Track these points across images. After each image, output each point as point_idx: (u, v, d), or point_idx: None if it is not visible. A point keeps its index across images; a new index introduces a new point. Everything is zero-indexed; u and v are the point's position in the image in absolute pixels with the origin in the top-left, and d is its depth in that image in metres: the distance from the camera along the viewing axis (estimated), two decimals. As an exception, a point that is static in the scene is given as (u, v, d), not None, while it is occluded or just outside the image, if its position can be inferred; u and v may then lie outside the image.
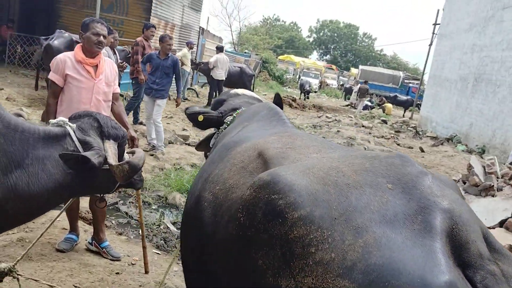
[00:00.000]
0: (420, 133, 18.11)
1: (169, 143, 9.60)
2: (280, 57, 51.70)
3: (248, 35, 52.31)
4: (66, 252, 4.21)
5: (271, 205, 1.42)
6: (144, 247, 4.21)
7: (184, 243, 2.29)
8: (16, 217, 2.42)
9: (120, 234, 5.18)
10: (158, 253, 4.91)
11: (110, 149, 2.77)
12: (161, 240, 5.23)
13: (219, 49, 16.45)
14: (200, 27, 21.34)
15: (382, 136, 15.17)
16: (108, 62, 4.21)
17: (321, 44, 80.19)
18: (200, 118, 3.20)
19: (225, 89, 14.29)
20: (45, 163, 2.44)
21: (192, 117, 3.25)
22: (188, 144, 10.00)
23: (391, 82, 44.23)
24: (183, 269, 3.06)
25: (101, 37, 3.96)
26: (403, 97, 32.88)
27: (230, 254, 1.59)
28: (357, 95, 26.85)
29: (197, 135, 11.26)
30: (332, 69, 56.80)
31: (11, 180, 2.28)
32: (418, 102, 31.53)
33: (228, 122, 3.04)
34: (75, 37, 10.30)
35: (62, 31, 10.40)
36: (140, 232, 4.36)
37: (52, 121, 2.69)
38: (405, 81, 45.34)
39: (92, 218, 4.66)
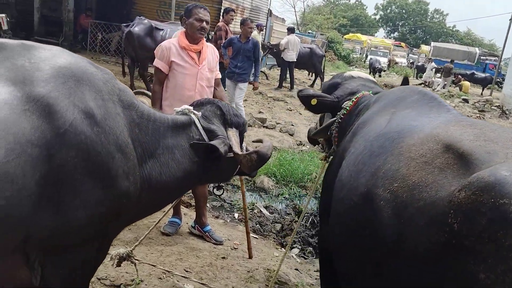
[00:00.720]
0: (507, 112, 16.89)
1: (248, 126, 9.54)
2: (346, 36, 50.43)
3: (312, 15, 51.32)
4: (171, 235, 4.24)
5: (500, 212, 1.23)
6: (247, 233, 4.16)
7: (337, 243, 2.11)
8: (148, 207, 2.38)
9: (217, 217, 5.18)
10: (255, 237, 4.86)
11: (234, 137, 2.68)
12: (256, 224, 5.18)
13: (290, 31, 16.15)
14: (268, 9, 21.10)
15: (468, 116, 14.26)
16: (210, 47, 4.14)
17: (388, 22, 77.26)
18: (314, 101, 3.01)
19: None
20: (174, 152, 2.39)
21: (304, 99, 3.08)
22: (266, 127, 9.91)
23: (466, 59, 41.77)
24: (322, 267, 2.95)
25: (204, 22, 3.90)
26: (481, 75, 30.90)
27: (429, 261, 1.40)
28: (442, 74, 25.56)
29: (273, 117, 11.16)
30: (401, 46, 54.59)
31: (145, 170, 2.23)
32: (498, 80, 29.53)
33: (347, 108, 2.84)
34: (154, 23, 10.49)
35: (142, 18, 10.60)
36: (244, 217, 4.30)
37: (177, 109, 2.64)
38: (481, 57, 42.68)
39: (194, 202, 4.66)
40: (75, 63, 1.96)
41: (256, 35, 14.94)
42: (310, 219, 5.41)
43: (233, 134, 2.71)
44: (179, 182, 2.43)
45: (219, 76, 4.26)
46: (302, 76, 20.66)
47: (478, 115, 14.89)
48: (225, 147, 2.52)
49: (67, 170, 1.80)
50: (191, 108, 2.63)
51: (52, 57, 1.91)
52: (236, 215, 5.35)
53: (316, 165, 7.04)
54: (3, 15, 12.49)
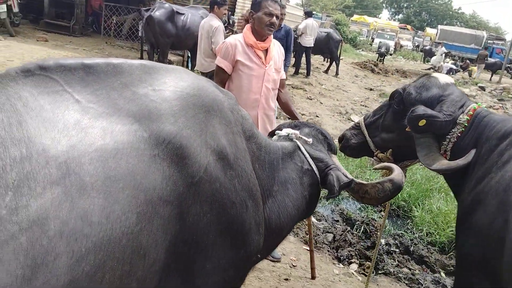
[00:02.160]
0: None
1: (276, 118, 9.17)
2: (353, 18, 49.54)
3: (316, -4, 50.37)
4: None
5: None
6: (311, 251, 3.85)
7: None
8: (263, 254, 2.06)
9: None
10: (307, 249, 4.55)
11: (340, 165, 2.34)
12: (306, 234, 4.87)
13: (308, 14, 15.62)
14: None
15: (490, 107, 13.90)
16: (276, 45, 3.73)
17: (393, 3, 76.02)
18: (422, 122, 2.49)
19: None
20: (288, 188, 2.06)
21: (413, 121, 2.53)
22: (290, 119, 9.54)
23: (473, 42, 41.15)
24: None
25: (274, 17, 3.47)
26: (491, 60, 30.40)
27: None
28: (476, 60, 25.09)
29: (296, 108, 10.77)
30: (406, 29, 53.73)
31: (265, 213, 1.90)
32: (508, 65, 29.10)
33: (465, 123, 2.44)
34: (176, 7, 10.02)
35: (162, 2, 10.17)
36: (308, 233, 3.98)
37: (280, 133, 2.29)
38: (488, 41, 42.04)
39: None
40: (202, 88, 1.60)
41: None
42: (362, 228, 5.10)
43: (338, 161, 2.38)
44: (293, 222, 2.11)
45: (284, 76, 3.83)
46: (314, 61, 20.18)
47: (501, 105, 14.51)
48: (346, 179, 2.20)
49: (199, 230, 1.47)
50: (298, 132, 2.28)
51: (177, 82, 1.55)
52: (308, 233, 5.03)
53: (357, 164, 6.71)
54: (14, -4, 11.96)
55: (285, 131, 2.27)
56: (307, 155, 2.20)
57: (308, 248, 4.50)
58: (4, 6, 11.34)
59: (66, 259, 1.10)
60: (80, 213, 1.15)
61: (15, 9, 11.96)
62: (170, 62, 11.30)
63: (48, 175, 1.14)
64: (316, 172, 2.18)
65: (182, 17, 9.90)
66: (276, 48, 3.70)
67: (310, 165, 2.19)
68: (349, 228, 5.06)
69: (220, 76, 3.59)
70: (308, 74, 15.08)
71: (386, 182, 2.16)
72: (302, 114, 10.07)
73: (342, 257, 4.51)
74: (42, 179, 1.13)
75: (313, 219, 5.24)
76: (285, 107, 3.78)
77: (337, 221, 5.38)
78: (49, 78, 1.32)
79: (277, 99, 3.79)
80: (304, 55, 15.14)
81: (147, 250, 1.29)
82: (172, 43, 9.88)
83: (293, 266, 4.06)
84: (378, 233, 3.42)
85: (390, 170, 2.36)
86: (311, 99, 12.18)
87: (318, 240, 4.78)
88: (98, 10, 15.04)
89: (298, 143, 2.23)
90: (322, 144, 2.35)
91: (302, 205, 2.14)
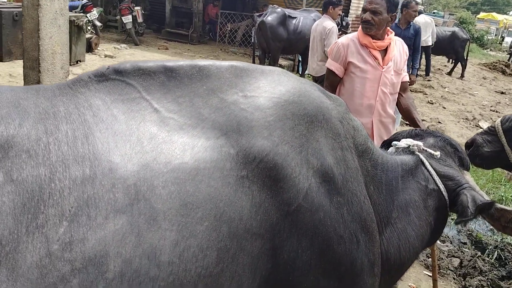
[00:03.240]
0: None
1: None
2: (479, 15, 45.49)
3: (438, -7, 47.20)
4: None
5: None
6: (434, 280, 3.32)
7: None
8: None
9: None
10: (428, 275, 4.00)
11: (475, 184, 1.88)
12: (428, 257, 4.29)
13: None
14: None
15: None
16: (398, 43, 3.28)
17: (527, -3, 68.38)
18: None
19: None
20: (409, 213, 1.66)
21: None
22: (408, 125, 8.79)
23: None
24: None
25: (367, 13, 3.05)
26: None
27: None
28: None
29: (414, 113, 9.95)
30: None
31: (382, 246, 1.53)
32: None
33: None
34: (288, 11, 9.88)
35: (275, 6, 10.06)
36: (430, 257, 3.46)
37: (398, 144, 1.88)
38: None
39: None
40: (305, 93, 1.29)
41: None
42: (495, 254, 4.37)
43: (472, 180, 1.91)
44: (415, 255, 1.71)
45: (407, 78, 3.34)
46: (436, 62, 18.67)
47: None
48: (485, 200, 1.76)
49: (297, 270, 1.16)
50: (421, 144, 1.86)
51: (274, 86, 1.25)
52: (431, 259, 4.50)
53: (489, 178, 5.87)
54: (139, 8, 12.82)
55: (404, 142, 1.86)
56: (433, 172, 1.78)
57: (431, 275, 3.96)
58: (130, 17, 12.18)
59: None
60: (148, 250, 0.91)
61: (140, 20, 12.79)
62: (281, 67, 11.19)
63: (112, 201, 0.92)
64: (444, 192, 1.76)
65: (294, 21, 9.72)
66: (398, 48, 3.25)
67: (436, 184, 1.76)
68: (479, 253, 4.36)
69: (330, 80, 3.26)
70: (427, 74, 13.94)
71: None
72: (422, 120, 9.24)
73: (470, 287, 3.87)
74: (105, 206, 0.91)
75: (438, 242, 4.63)
76: (406, 113, 3.31)
77: (465, 243, 4.70)
78: (125, 83, 1.12)
79: (396, 104, 3.34)
80: (424, 55, 14.03)
81: None
82: (283, 47, 9.73)
83: (412, 294, 3.55)
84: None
85: None
86: (432, 103, 11.20)
87: (442, 265, 4.18)
88: (214, 18, 15.52)
89: (422, 157, 1.81)
90: (451, 158, 1.90)
91: (426, 234, 1.73)
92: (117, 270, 0.88)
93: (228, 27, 14.31)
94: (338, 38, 6.32)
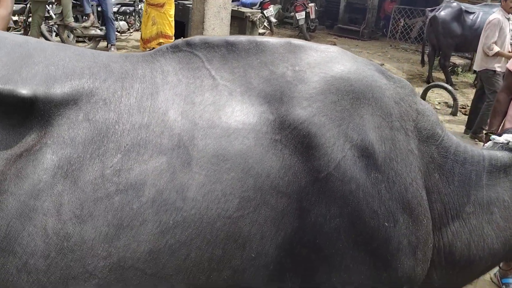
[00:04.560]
0: None
1: None
2: None
3: None
4: None
5: None
6: None
7: None
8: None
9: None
10: None
11: None
12: None
13: None
14: None
15: None
16: None
17: None
18: None
19: None
20: (492, 212, 1.55)
21: None
22: None
23: None
24: None
25: None
26: None
27: None
28: None
29: None
30: None
31: (445, 238, 1.49)
32: None
33: None
34: (465, 6, 9.14)
35: (450, 1, 9.37)
36: None
37: (498, 138, 1.75)
38: None
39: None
40: (356, 71, 1.36)
41: None
42: None
43: None
44: (494, 257, 1.60)
45: None
46: None
47: None
48: None
49: (324, 235, 1.25)
50: None
51: (325, 63, 1.35)
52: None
53: None
54: (313, 4, 13.24)
55: (504, 138, 1.72)
56: None
57: None
58: (303, 13, 12.67)
59: (152, 228, 1.10)
60: (177, 185, 1.13)
61: (312, 16, 13.21)
62: (455, 65, 10.39)
63: (158, 144, 1.16)
64: None
65: (471, 16, 8.93)
66: None
67: None
68: None
69: (509, 80, 3.02)
70: None
71: None
72: None
73: None
74: (152, 147, 1.16)
75: None
76: None
77: None
78: (193, 54, 1.35)
79: None
80: None
81: (247, 240, 1.17)
82: (455, 44, 9.03)
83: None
84: None
85: None
86: None
87: None
88: (390, 14, 15.11)
89: None
90: None
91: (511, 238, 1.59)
92: (150, 196, 1.11)
93: (401, 23, 13.77)
94: None
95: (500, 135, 1.79)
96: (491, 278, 3.46)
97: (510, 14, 6.04)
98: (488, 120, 3.18)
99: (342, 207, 1.24)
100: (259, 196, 1.18)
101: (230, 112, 1.24)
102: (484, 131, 2.99)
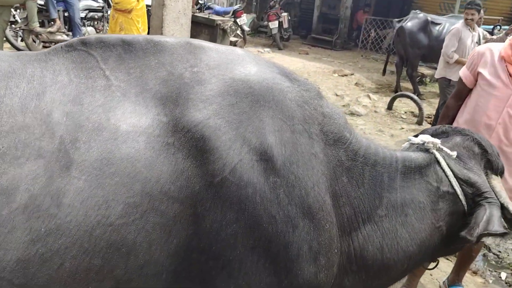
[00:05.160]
0: None
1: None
2: None
3: None
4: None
5: None
6: None
7: None
8: None
9: (475, 273, 3.93)
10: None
11: (503, 191, 1.66)
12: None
13: None
14: None
15: None
16: None
17: None
18: None
19: None
20: (406, 213, 1.54)
21: None
22: None
23: None
24: None
25: None
26: None
27: None
28: None
29: None
30: None
31: (355, 242, 1.46)
32: None
33: None
34: (431, 17, 9.33)
35: (417, 12, 9.57)
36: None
37: (413, 139, 1.75)
38: None
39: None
40: (257, 73, 1.33)
41: None
42: None
43: (501, 186, 1.69)
44: (410, 260, 1.58)
45: None
46: None
47: None
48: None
49: (221, 241, 1.20)
50: (438, 141, 1.70)
51: (225, 64, 1.32)
52: (503, 275, 3.97)
53: None
54: (286, 14, 13.33)
55: (420, 138, 1.71)
56: (449, 173, 1.61)
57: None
58: (276, 22, 12.77)
59: (21, 235, 1.04)
60: (53, 191, 1.07)
61: (285, 25, 13.30)
62: (423, 76, 10.57)
63: (37, 147, 1.11)
64: (462, 197, 1.59)
65: (437, 27, 9.10)
66: None
67: (452, 187, 1.59)
68: None
69: (458, 87, 3.02)
70: None
71: None
72: None
73: None
74: (30, 151, 1.10)
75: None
76: None
77: None
78: (87, 53, 1.30)
79: None
80: None
81: (133, 249, 1.12)
82: (422, 54, 9.18)
83: (493, 331, 3.13)
84: None
85: None
86: None
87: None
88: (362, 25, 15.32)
89: (438, 155, 1.65)
90: (476, 161, 1.69)
91: (431, 240, 1.58)
92: (22, 202, 1.05)
93: (371, 33, 13.97)
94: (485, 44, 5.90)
95: (417, 136, 1.79)
96: (440, 287, 3.47)
97: (468, 26, 6.19)
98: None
99: (238, 212, 1.20)
100: (147, 202, 1.13)
101: (121, 114, 1.19)
102: None
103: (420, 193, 1.58)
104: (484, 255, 4.28)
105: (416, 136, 1.77)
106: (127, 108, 1.20)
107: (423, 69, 10.68)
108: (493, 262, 4.21)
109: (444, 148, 1.66)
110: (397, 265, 1.54)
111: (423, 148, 1.68)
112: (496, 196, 1.63)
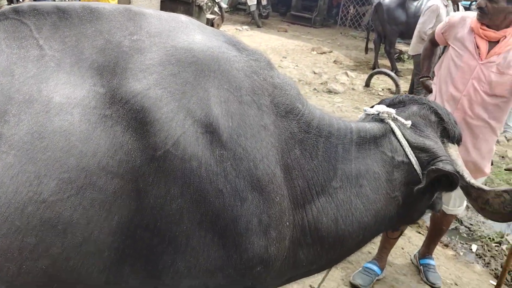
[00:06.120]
0: None
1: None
2: None
3: None
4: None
5: None
6: (498, 285, 2.87)
7: None
8: (309, 267, 1.58)
9: (446, 246, 3.99)
10: (493, 284, 3.51)
11: (460, 159, 1.65)
12: (500, 267, 3.78)
13: None
14: None
15: None
16: None
17: None
18: None
19: None
20: (361, 184, 1.52)
21: None
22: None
23: None
24: None
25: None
26: None
27: None
28: None
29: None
30: None
31: (309, 215, 1.44)
32: None
33: None
34: (410, -8, 9.24)
35: (395, -13, 9.46)
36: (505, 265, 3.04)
37: (369, 110, 1.72)
38: None
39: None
40: (201, 41, 1.27)
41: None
42: None
43: (457, 154, 1.68)
44: (365, 230, 1.57)
45: None
46: None
47: None
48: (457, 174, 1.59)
49: (166, 216, 1.16)
50: (392, 111, 1.67)
51: (168, 32, 1.26)
52: (474, 247, 4.03)
53: None
54: (265, -10, 13.10)
55: (376, 109, 1.68)
56: (404, 143, 1.59)
57: (495, 284, 3.50)
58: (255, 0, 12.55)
59: None
60: None
61: (264, 2, 13.10)
62: (401, 53, 10.55)
63: None
64: (416, 166, 1.57)
65: (415, 3, 9.04)
66: None
67: (407, 156, 1.57)
68: None
69: (431, 36, 3.15)
70: None
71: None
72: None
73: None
74: None
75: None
76: None
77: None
78: (20, 22, 1.22)
79: None
80: None
81: (69, 226, 1.07)
82: (400, 31, 9.15)
83: (461, 301, 3.18)
84: None
85: None
86: None
87: (516, 278, 3.64)
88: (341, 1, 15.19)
89: (392, 125, 1.62)
90: (432, 129, 1.68)
91: (387, 210, 1.57)
92: None
93: (350, 10, 13.87)
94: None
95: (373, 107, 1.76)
96: (411, 260, 3.51)
97: (449, 1, 6.16)
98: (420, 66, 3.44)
99: (183, 186, 1.16)
100: (83, 178, 1.08)
101: (54, 85, 1.12)
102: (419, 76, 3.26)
103: (375, 163, 1.56)
104: (455, 228, 4.34)
105: (372, 107, 1.73)
106: (61, 79, 1.14)
107: (401, 46, 10.65)
108: (465, 235, 4.28)
109: (399, 118, 1.63)
110: (352, 236, 1.52)
111: (378, 119, 1.66)
112: (453, 162, 1.63)
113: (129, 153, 1.12)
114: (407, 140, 1.60)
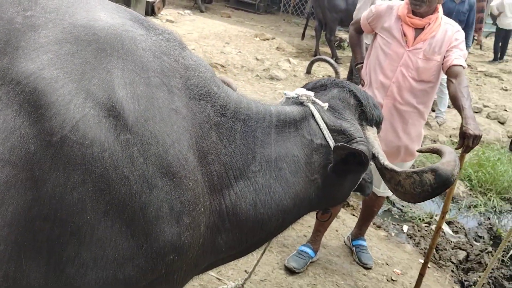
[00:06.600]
0: None
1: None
2: None
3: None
4: (296, 270, 3.13)
5: None
6: (425, 263, 2.98)
7: None
8: (230, 252, 1.55)
9: (378, 227, 4.12)
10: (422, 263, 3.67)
11: (377, 142, 1.69)
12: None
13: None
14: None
15: None
16: (445, 29, 2.78)
17: None
18: None
19: None
20: (281, 168, 1.51)
21: None
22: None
23: None
24: None
25: None
26: None
27: None
28: None
29: (480, 98, 9.08)
30: None
31: (227, 200, 1.40)
32: None
33: None
34: (351, -20, 9.39)
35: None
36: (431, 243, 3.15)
37: (289, 93, 1.72)
38: None
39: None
40: (103, 18, 1.19)
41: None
42: (511, 253, 3.92)
43: (375, 137, 1.72)
44: (285, 213, 1.56)
45: (458, 62, 2.69)
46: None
47: None
48: (370, 156, 1.65)
49: (67, 206, 1.08)
50: (311, 93, 1.67)
51: (66, 8, 1.16)
52: (405, 227, 4.19)
53: None
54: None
55: (295, 92, 1.68)
56: (323, 125, 1.60)
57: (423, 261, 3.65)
58: (198, -17, 12.31)
59: None
60: None
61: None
62: (342, 40, 10.75)
63: None
64: (332, 146, 1.58)
65: (354, -9, 9.23)
66: (441, 33, 2.77)
67: (325, 139, 1.58)
68: (490, 249, 3.92)
69: (356, 24, 3.14)
70: (495, 58, 12.67)
71: (427, 173, 1.50)
72: (485, 106, 8.43)
73: (467, 283, 3.52)
74: None
75: (447, 228, 4.25)
76: (452, 100, 2.70)
77: (481, 237, 4.26)
78: None
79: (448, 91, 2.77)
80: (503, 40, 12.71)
81: None
82: (340, 19, 9.30)
83: (393, 280, 3.29)
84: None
85: (439, 155, 1.63)
86: (505, 90, 10.16)
87: (443, 257, 3.83)
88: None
89: (312, 108, 1.62)
90: (351, 111, 1.70)
91: (306, 193, 1.57)
92: None
93: (293, -4, 13.97)
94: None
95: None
96: (344, 242, 3.59)
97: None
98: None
99: (84, 174, 1.08)
100: None
101: None
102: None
103: (295, 146, 1.56)
104: (388, 210, 4.50)
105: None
106: None
107: (341, 34, 10.85)
108: (396, 216, 4.44)
109: (317, 100, 1.64)
110: (271, 219, 1.51)
111: (298, 102, 1.65)
112: (370, 144, 1.67)
113: (22, 139, 1.03)
114: (325, 122, 1.61)
